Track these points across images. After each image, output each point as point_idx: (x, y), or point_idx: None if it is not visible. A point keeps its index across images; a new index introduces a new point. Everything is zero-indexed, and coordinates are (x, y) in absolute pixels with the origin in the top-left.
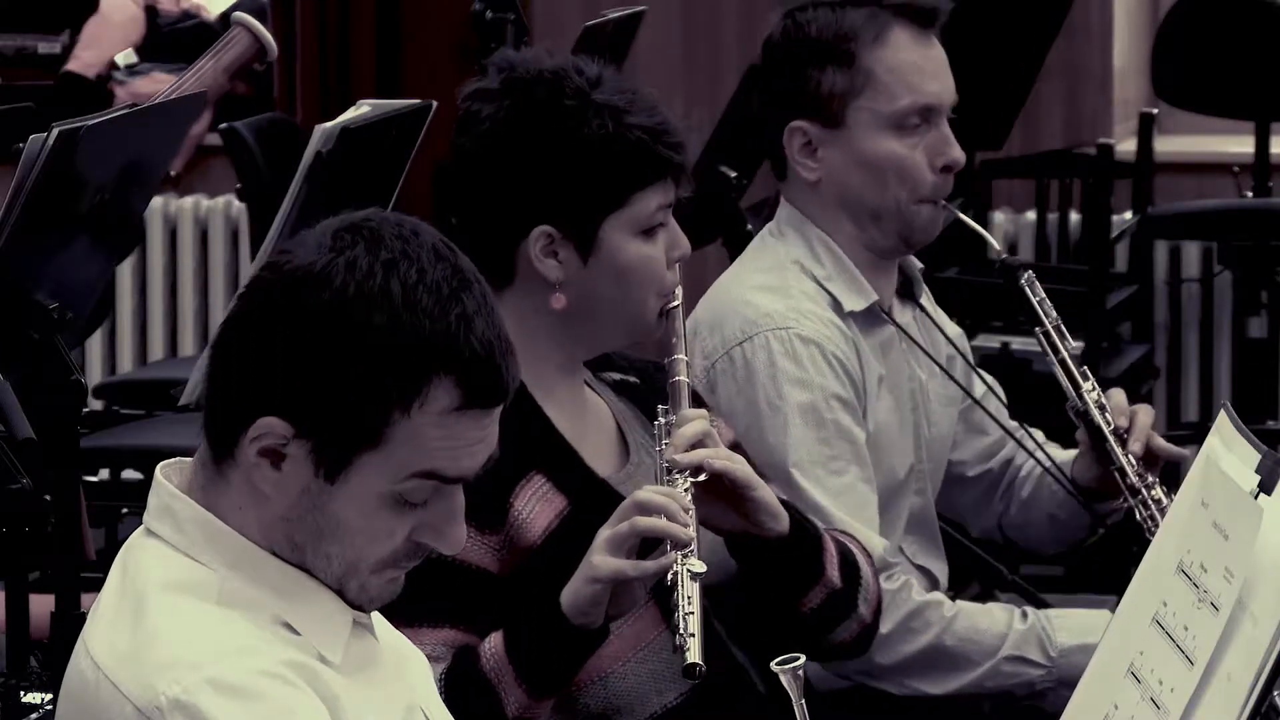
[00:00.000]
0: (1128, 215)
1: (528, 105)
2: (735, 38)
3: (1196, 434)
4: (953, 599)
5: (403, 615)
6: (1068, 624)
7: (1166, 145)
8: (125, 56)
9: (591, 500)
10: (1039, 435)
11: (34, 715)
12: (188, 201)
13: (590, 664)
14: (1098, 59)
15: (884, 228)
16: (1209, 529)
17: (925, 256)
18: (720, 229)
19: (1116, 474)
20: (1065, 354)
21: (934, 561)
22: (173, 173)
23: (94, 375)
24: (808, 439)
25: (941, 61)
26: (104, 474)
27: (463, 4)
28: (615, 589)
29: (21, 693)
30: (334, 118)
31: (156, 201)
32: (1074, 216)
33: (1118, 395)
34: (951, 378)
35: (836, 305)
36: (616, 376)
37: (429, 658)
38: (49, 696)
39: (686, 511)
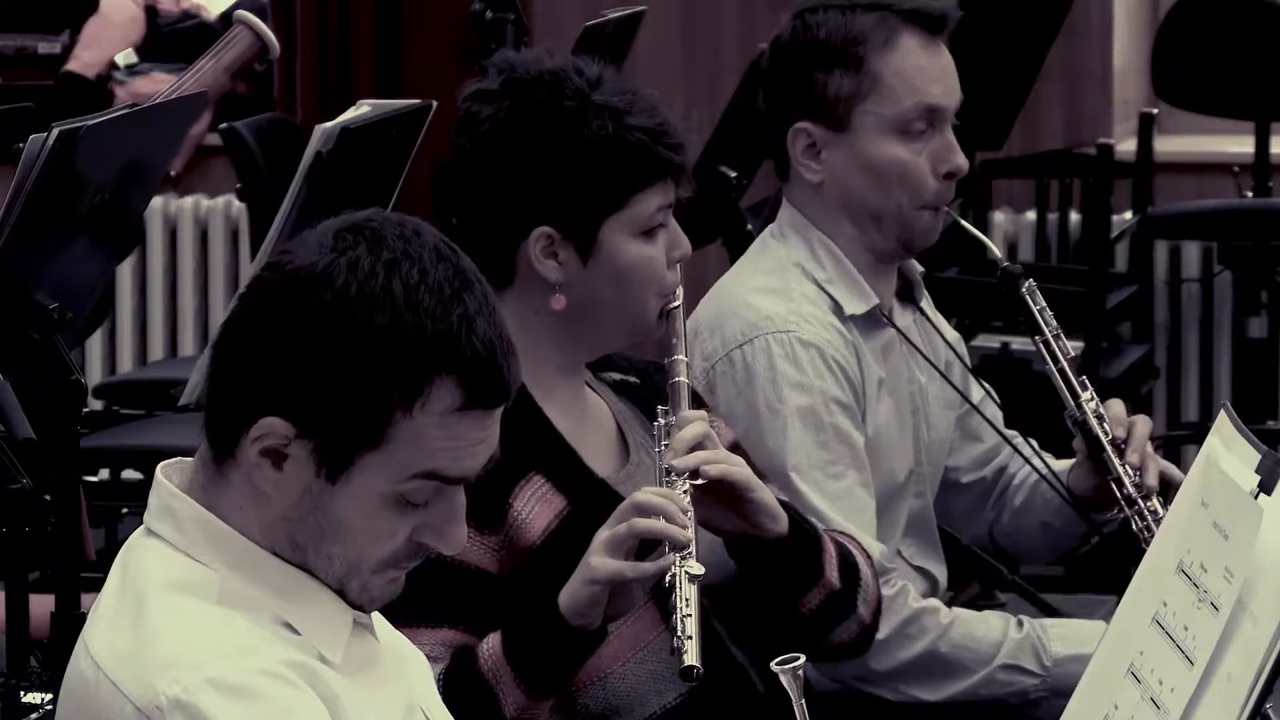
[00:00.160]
0: (1128, 215)
1: (528, 106)
2: (735, 38)
3: (1196, 434)
4: (952, 600)
5: (402, 615)
6: (1063, 633)
7: (1166, 145)
8: (125, 56)
9: (591, 501)
10: (1030, 449)
11: (34, 715)
12: (188, 201)
13: (589, 664)
14: (1098, 59)
15: (884, 231)
16: (1209, 529)
17: (925, 257)
18: (720, 229)
19: (1114, 484)
20: (1064, 363)
21: (933, 563)
22: (173, 173)
23: (94, 375)
24: (806, 443)
25: (949, 68)
26: (104, 474)
27: (463, 4)
28: (613, 590)
29: (21, 693)
30: (334, 118)
31: (156, 201)
32: (1074, 216)
33: (1116, 405)
34: (950, 382)
35: (837, 308)
36: (616, 377)
37: (428, 658)
38: (49, 696)
39: (685, 513)
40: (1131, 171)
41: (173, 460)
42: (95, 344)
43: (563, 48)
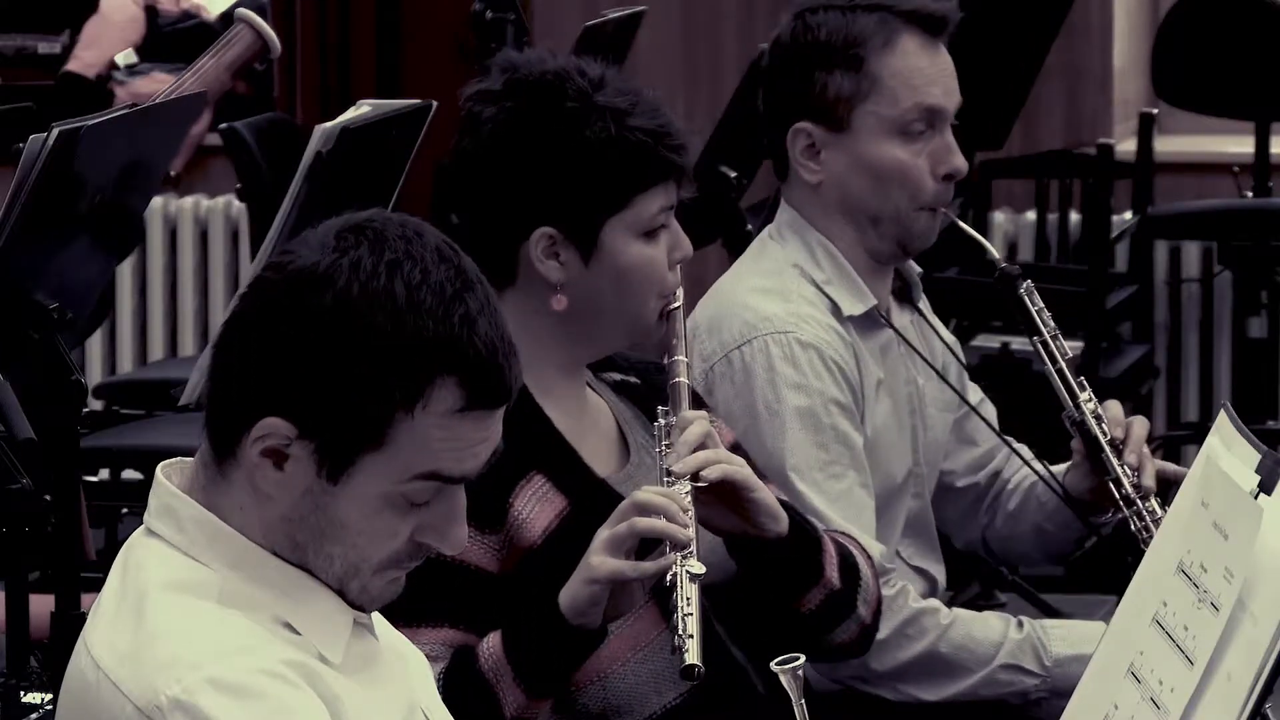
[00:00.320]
0: (1128, 215)
1: (530, 107)
2: (735, 38)
3: (1196, 434)
4: (952, 600)
5: (402, 614)
6: (1063, 634)
7: (1166, 145)
8: (125, 56)
9: (591, 501)
10: (1025, 451)
11: (34, 715)
12: (188, 201)
13: (589, 664)
14: (1098, 59)
15: (882, 232)
16: (1209, 529)
17: (925, 258)
18: (720, 229)
19: (1112, 484)
20: (1063, 363)
21: (932, 564)
22: (173, 173)
23: (94, 375)
24: (805, 444)
25: (949, 70)
26: (104, 474)
27: (463, 4)
28: (614, 590)
29: (21, 693)
30: (334, 118)
31: (156, 201)
32: (1074, 216)
33: (1114, 406)
34: (948, 383)
35: (835, 309)
36: (617, 377)
37: (428, 657)
38: (49, 696)
39: (685, 512)
40: (1131, 171)
41: (173, 460)
42: (95, 344)
43: (562, 48)
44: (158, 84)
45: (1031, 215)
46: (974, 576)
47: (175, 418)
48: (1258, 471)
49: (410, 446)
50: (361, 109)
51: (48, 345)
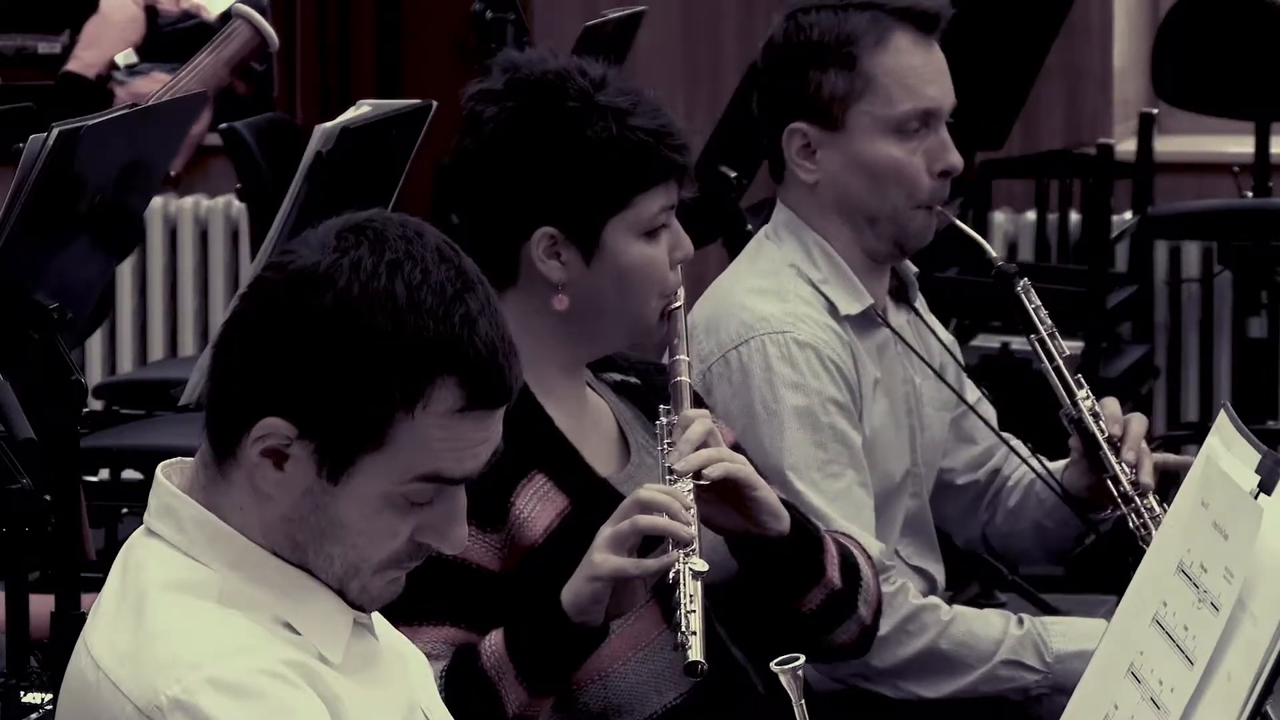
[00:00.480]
0: (1128, 215)
1: (531, 106)
2: (735, 38)
3: (1196, 434)
4: (951, 600)
5: (404, 613)
6: (1064, 630)
7: (1166, 145)
8: (125, 56)
9: (593, 500)
10: (1024, 450)
11: (34, 715)
12: (188, 201)
13: (590, 663)
14: (1098, 59)
15: (879, 232)
16: (1209, 529)
17: (925, 257)
18: (720, 229)
19: (1110, 482)
20: (1060, 361)
21: (931, 563)
22: (173, 173)
23: (94, 375)
24: (804, 443)
25: (942, 67)
26: (104, 474)
27: (463, 4)
28: (616, 587)
29: (21, 693)
30: (334, 118)
31: (156, 201)
32: (1074, 216)
33: (1111, 404)
34: (945, 382)
35: (832, 308)
36: (617, 377)
37: (429, 655)
38: (49, 696)
39: (688, 510)
40: (1131, 171)
41: (173, 460)
42: (95, 344)
43: (563, 48)
44: (158, 84)
45: (1031, 215)
46: (973, 576)
47: (175, 418)
48: (1258, 471)
49: (410, 447)
50: (361, 109)
51: (48, 345)
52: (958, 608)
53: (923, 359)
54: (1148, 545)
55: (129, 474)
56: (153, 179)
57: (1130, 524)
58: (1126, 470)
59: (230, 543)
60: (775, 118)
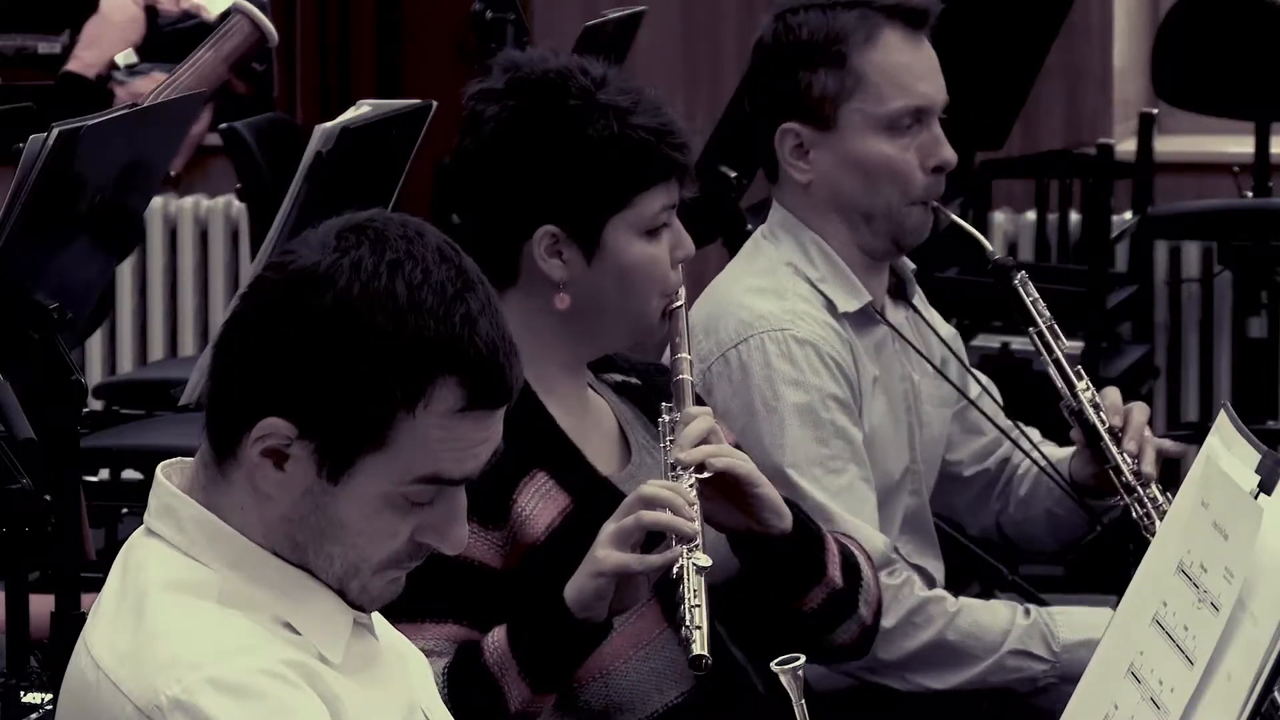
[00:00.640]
0: (1128, 215)
1: (533, 105)
2: (735, 38)
3: (1196, 434)
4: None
5: (406, 611)
6: (1070, 620)
7: (1166, 145)
8: (125, 56)
9: (594, 499)
10: (1035, 434)
11: (34, 715)
12: (188, 201)
13: (591, 661)
14: (1098, 59)
15: (875, 229)
16: (1209, 529)
17: (925, 257)
18: (720, 229)
19: (1112, 472)
20: (1059, 353)
21: (930, 561)
22: (173, 173)
23: (94, 375)
24: (805, 439)
25: (932, 62)
26: (104, 474)
27: (463, 4)
28: (619, 583)
29: (21, 693)
30: (334, 118)
31: (156, 201)
32: (1074, 216)
33: (1112, 394)
34: (945, 378)
35: (830, 306)
36: (618, 378)
37: (432, 652)
38: (49, 696)
39: (691, 506)
40: (1131, 171)
41: (173, 460)
42: (95, 344)
43: (563, 48)
44: (157, 84)
45: (1031, 215)
46: (973, 575)
47: (175, 418)
48: (1258, 471)
49: (411, 447)
50: (361, 109)
51: (48, 345)
52: (964, 599)
53: (922, 355)
54: (1151, 534)
55: (129, 474)
56: (153, 179)
57: (1134, 514)
58: (1128, 460)
59: (230, 543)
60: (767, 119)
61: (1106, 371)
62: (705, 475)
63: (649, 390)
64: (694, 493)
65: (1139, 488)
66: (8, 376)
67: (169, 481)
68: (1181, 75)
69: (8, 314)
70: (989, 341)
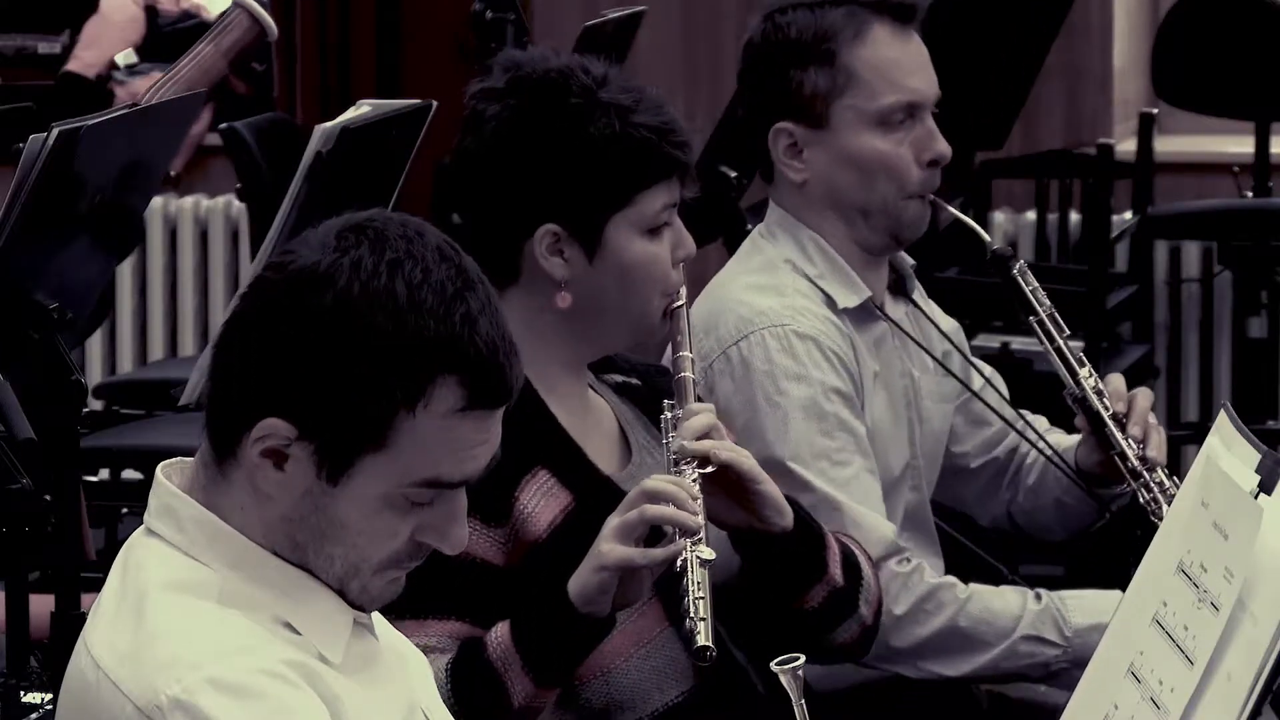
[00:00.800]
0: (1128, 215)
1: (533, 104)
2: (735, 38)
3: (1196, 434)
4: None
5: (408, 608)
6: (1081, 604)
7: (1166, 145)
8: (125, 56)
9: (595, 497)
10: (1043, 422)
11: (34, 715)
12: (188, 201)
13: (593, 659)
14: (1098, 59)
15: (873, 225)
16: (1209, 529)
17: (925, 257)
18: (720, 229)
19: (1117, 458)
20: (1061, 341)
21: (930, 559)
22: (173, 173)
23: (94, 375)
24: (810, 433)
25: (922, 57)
26: (104, 474)
27: (463, 4)
28: (622, 578)
29: (21, 693)
30: (334, 118)
31: (156, 201)
32: (1074, 216)
33: (1116, 380)
34: (949, 371)
35: (830, 302)
36: (618, 379)
37: (434, 649)
38: (49, 696)
39: (694, 500)
40: (1131, 171)
41: (173, 460)
42: (95, 344)
43: (563, 48)
44: (156, 82)
45: (1031, 215)
46: (972, 573)
47: (175, 418)
48: (1258, 471)
49: (411, 448)
50: (361, 109)
51: (48, 345)
52: (974, 585)
53: (923, 348)
54: (1159, 519)
55: (129, 474)
56: (153, 179)
57: (1140, 499)
58: (1133, 446)
59: (230, 543)
60: (760, 119)
61: (1106, 372)
62: (708, 470)
63: (649, 391)
64: (697, 486)
65: (1145, 473)
66: (8, 376)
67: (169, 481)
68: (1181, 75)
69: (8, 314)
70: (989, 341)
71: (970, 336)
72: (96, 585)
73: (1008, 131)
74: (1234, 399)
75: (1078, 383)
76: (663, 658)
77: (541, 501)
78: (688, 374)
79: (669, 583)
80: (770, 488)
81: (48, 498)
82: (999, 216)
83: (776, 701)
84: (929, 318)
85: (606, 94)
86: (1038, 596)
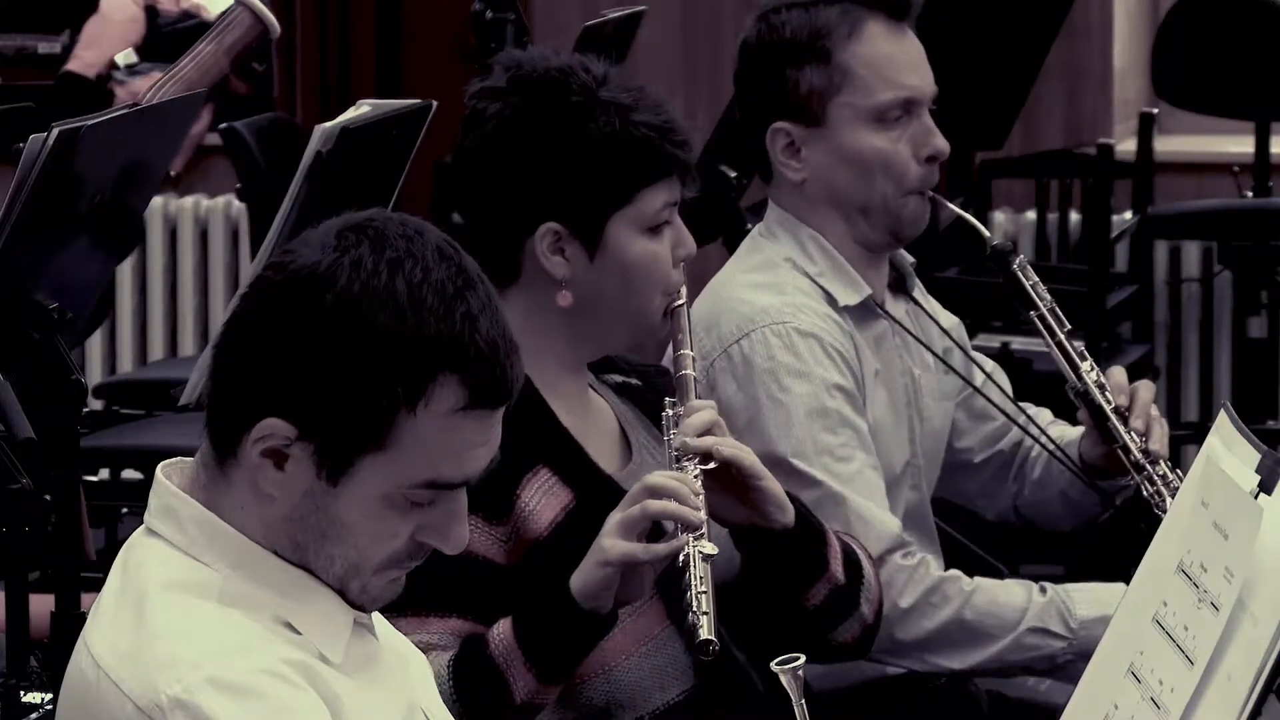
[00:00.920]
0: (1128, 215)
1: (534, 103)
2: (735, 37)
3: (1196, 434)
4: None
5: (410, 605)
6: (1086, 597)
7: (1166, 145)
8: (125, 56)
9: (597, 496)
10: (1046, 414)
11: (34, 715)
12: (188, 201)
13: (594, 657)
14: (1098, 59)
15: (873, 222)
16: (1209, 529)
17: (925, 257)
18: (721, 228)
19: (1120, 452)
20: (1061, 335)
21: (930, 556)
22: (173, 173)
23: (94, 375)
24: (813, 429)
25: (918, 53)
26: (104, 474)
27: (463, 4)
28: (624, 574)
29: (21, 693)
30: (334, 118)
31: (156, 201)
32: (1074, 216)
33: (1117, 374)
34: (950, 368)
35: (830, 300)
36: (619, 379)
37: (436, 646)
38: (49, 696)
39: (697, 495)
40: (1131, 171)
41: (173, 460)
42: (95, 344)
43: (563, 48)
44: (157, 81)
45: (1031, 215)
46: (972, 572)
47: (175, 418)
48: (1258, 471)
49: (411, 448)
50: (361, 109)
51: (48, 345)
52: (979, 578)
53: (924, 344)
54: (1163, 512)
55: (129, 474)
56: (153, 179)
57: (1145, 492)
58: (1136, 439)
59: (231, 542)
60: (757, 119)
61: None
62: (710, 466)
63: (649, 391)
64: (699, 482)
65: (1148, 466)
66: (8, 376)
67: (169, 481)
68: (1181, 75)
69: (8, 314)
70: (989, 341)
71: (970, 337)
72: (96, 585)
73: (1008, 131)
74: (1234, 399)
75: (1079, 377)
76: (664, 656)
77: (543, 499)
78: (689, 372)
79: (670, 581)
80: (772, 484)
81: (48, 498)
82: (999, 216)
83: (777, 701)
84: (929, 314)
85: (607, 93)
86: (1043, 589)
